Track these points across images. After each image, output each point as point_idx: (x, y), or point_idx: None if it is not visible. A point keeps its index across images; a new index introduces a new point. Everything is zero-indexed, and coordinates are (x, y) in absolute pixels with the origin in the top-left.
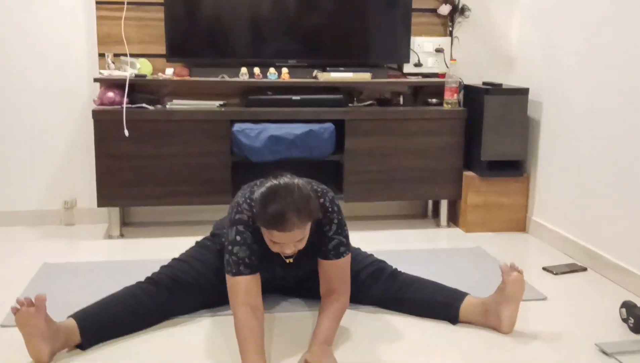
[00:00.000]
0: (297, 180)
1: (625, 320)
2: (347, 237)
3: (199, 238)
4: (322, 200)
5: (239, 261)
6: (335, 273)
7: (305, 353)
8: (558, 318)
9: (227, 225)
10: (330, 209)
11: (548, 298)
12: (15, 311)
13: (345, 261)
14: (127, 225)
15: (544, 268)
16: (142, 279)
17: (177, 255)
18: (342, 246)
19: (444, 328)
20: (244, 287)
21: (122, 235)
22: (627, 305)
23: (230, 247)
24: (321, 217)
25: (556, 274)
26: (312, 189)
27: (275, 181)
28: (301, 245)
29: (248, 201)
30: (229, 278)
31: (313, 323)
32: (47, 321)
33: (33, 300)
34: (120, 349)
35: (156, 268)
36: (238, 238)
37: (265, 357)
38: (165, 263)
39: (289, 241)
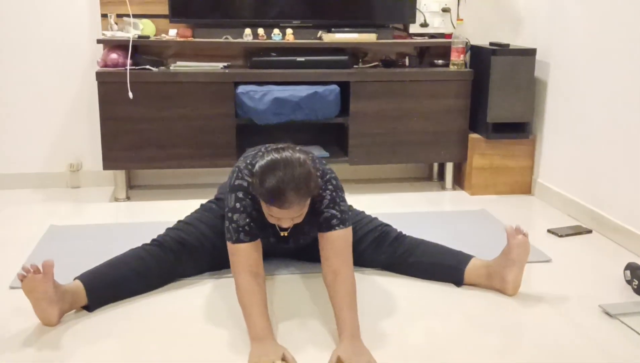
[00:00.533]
0: (299, 154)
1: (629, 282)
2: (342, 212)
3: (204, 200)
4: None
5: (239, 228)
6: (331, 248)
7: (336, 351)
8: (562, 280)
9: (227, 190)
10: (322, 186)
11: (552, 260)
12: (22, 278)
13: (340, 235)
14: (133, 188)
15: (549, 231)
16: (148, 241)
17: (182, 217)
18: (335, 219)
19: (448, 290)
20: (244, 254)
21: (128, 198)
22: (632, 267)
23: (230, 214)
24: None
25: (561, 236)
26: (314, 167)
27: (276, 155)
28: (299, 220)
29: (249, 166)
30: (230, 246)
31: (313, 282)
32: (55, 286)
33: (39, 266)
34: (125, 310)
35: (162, 231)
36: (237, 205)
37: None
38: (171, 225)
39: (286, 217)
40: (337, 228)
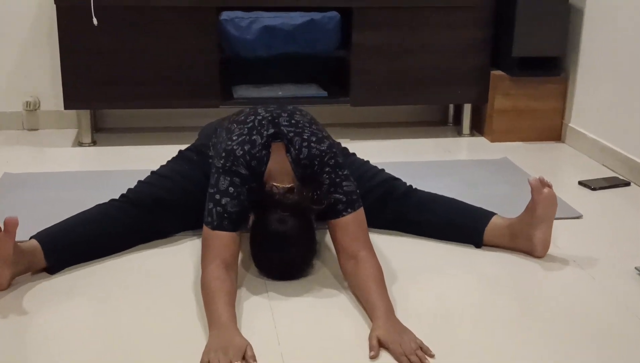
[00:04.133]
0: (294, 224)
1: None
2: (347, 193)
3: (183, 146)
4: (317, 159)
5: (225, 214)
6: (344, 234)
7: (374, 331)
8: (594, 239)
9: (214, 169)
10: (318, 171)
11: (584, 216)
12: None
13: (350, 220)
14: (100, 131)
15: (581, 183)
16: (117, 195)
17: (156, 167)
18: (340, 204)
19: (464, 251)
20: (222, 243)
21: (94, 142)
22: None
23: (218, 196)
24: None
25: (594, 189)
26: (310, 158)
27: (272, 228)
28: None
29: (247, 158)
30: (207, 231)
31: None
32: (14, 246)
33: (1, 224)
34: (91, 269)
35: (133, 181)
36: (231, 189)
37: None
38: (144, 175)
39: None
40: (344, 213)
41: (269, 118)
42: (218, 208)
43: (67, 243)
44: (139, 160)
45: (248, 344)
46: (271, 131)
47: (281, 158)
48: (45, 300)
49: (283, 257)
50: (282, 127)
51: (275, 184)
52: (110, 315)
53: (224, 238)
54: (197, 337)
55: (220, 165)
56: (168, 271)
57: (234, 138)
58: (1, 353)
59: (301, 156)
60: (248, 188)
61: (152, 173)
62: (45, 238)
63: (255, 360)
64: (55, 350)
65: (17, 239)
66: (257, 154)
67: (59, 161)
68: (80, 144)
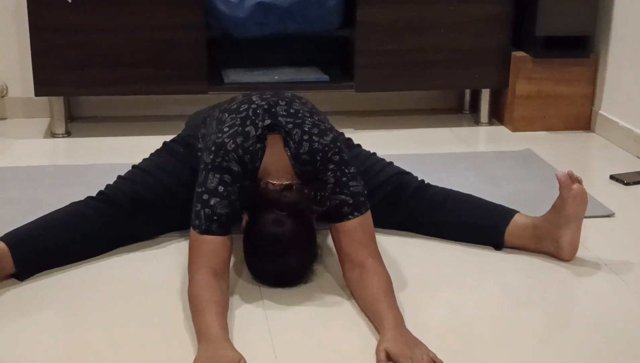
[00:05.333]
0: (292, 224)
1: None
2: (354, 195)
3: (168, 137)
4: (319, 155)
5: (214, 216)
6: (349, 241)
7: (382, 344)
8: (628, 239)
9: (203, 165)
10: (321, 168)
11: (616, 214)
12: None
13: (356, 224)
14: (74, 120)
15: (612, 177)
16: (94, 192)
17: (138, 161)
18: (346, 206)
19: (481, 254)
20: (210, 249)
21: (68, 133)
22: None
23: (206, 196)
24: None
25: (627, 184)
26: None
27: (265, 230)
28: None
29: (240, 152)
30: (194, 235)
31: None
32: None
33: None
34: (64, 277)
35: (112, 176)
36: (221, 188)
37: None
38: (124, 170)
39: None
40: (350, 216)
41: (265, 107)
42: (206, 210)
43: (38, 246)
44: (119, 153)
45: (242, 358)
46: (267, 121)
47: (278, 153)
48: (8, 311)
49: (279, 263)
50: (279, 118)
51: (270, 181)
52: (83, 330)
53: (212, 244)
54: (184, 353)
55: (209, 161)
56: (150, 279)
57: (225, 130)
58: None
59: (301, 151)
60: (240, 187)
61: (134, 167)
62: (14, 240)
63: None
64: None
65: None
66: (251, 148)
67: (28, 154)
68: (52, 135)
